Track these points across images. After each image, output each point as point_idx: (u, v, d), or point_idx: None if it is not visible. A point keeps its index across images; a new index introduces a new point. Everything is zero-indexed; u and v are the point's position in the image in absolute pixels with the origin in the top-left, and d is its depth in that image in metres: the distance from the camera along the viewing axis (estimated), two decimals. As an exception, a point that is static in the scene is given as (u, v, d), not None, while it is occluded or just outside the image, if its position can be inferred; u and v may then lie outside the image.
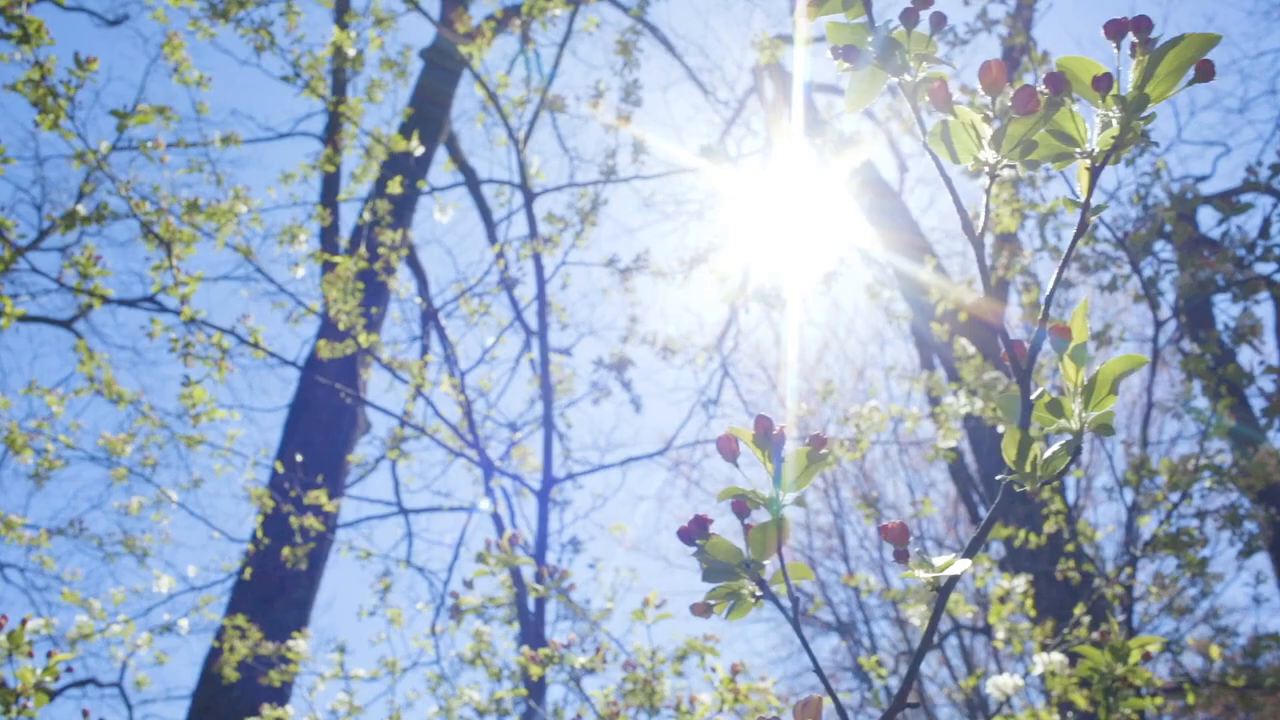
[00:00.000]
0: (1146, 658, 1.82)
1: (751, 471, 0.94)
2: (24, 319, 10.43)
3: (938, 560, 0.80)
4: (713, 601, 0.99)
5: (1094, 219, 0.68)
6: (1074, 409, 0.72)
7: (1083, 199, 0.67)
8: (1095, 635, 4.01)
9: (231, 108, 14.69)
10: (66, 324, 10.37)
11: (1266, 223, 2.60)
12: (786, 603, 0.96)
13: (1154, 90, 0.65)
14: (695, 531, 0.93)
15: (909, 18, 0.74)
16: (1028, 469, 0.73)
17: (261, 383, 17.45)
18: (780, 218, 9.67)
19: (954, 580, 0.79)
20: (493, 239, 8.87)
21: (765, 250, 9.47)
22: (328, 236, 7.31)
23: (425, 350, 8.64)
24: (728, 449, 0.90)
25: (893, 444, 12.07)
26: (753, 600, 0.96)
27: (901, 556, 0.81)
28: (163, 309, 7.43)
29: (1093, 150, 0.67)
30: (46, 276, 3.37)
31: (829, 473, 14.04)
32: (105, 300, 3.47)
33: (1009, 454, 0.73)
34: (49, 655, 2.25)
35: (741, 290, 9.20)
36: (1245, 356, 2.81)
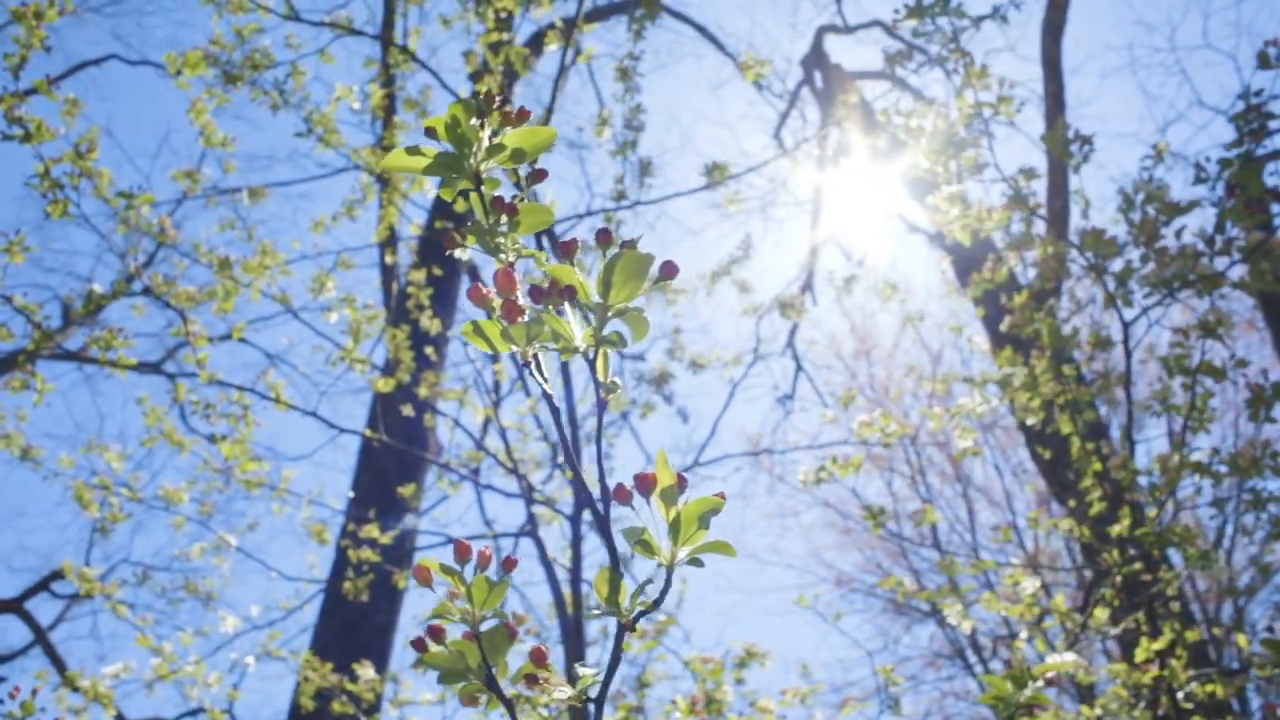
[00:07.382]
0: (1051, 683, 1.88)
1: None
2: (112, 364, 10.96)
3: (586, 671, 0.88)
4: (477, 694, 1.11)
5: (609, 396, 0.76)
6: (662, 546, 0.80)
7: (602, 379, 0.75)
8: (1116, 632, 3.99)
9: (291, 148, 15.17)
10: (155, 366, 10.86)
11: (1220, 218, 2.59)
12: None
13: (616, 296, 0.73)
14: (425, 645, 1.04)
15: (497, 206, 0.83)
16: (618, 604, 0.81)
17: (346, 408, 17.98)
18: (837, 210, 9.65)
19: (604, 693, 0.88)
20: (557, 254, 9.01)
21: (822, 245, 9.47)
22: (385, 274, 7.55)
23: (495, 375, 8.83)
24: (423, 578, 1.00)
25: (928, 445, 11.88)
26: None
27: (532, 681, 0.89)
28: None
29: (580, 347, 0.75)
30: (76, 357, 3.60)
31: (915, 460, 13.92)
32: (130, 368, 3.69)
33: (599, 590, 0.81)
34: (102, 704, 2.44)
35: (803, 290, 9.22)
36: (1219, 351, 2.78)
